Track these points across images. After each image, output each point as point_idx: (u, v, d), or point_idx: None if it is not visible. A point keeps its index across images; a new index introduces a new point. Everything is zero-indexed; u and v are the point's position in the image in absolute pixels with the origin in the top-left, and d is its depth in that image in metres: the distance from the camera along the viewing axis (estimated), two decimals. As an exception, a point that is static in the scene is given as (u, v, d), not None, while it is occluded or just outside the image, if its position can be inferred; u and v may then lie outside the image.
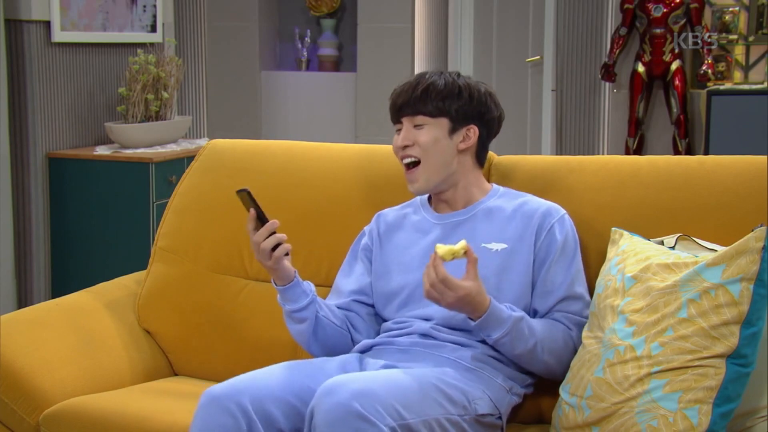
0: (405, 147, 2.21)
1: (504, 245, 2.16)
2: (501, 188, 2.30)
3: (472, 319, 2.04)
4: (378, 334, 2.25)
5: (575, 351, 2.09)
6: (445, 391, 1.95)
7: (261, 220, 2.08)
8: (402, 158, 2.23)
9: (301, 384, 1.96)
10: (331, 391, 1.80)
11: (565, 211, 2.21)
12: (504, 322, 2.03)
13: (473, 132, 2.23)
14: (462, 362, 2.09)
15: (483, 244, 2.17)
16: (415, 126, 2.21)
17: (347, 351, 2.21)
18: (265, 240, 2.07)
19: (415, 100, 2.20)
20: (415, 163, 2.21)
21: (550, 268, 2.15)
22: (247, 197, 2.07)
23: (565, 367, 2.09)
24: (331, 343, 2.21)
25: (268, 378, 1.96)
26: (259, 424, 1.89)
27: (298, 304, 2.16)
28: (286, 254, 2.09)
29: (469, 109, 2.21)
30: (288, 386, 1.95)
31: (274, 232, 2.08)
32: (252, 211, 2.08)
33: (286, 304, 2.18)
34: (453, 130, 2.21)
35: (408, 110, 2.21)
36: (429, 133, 2.20)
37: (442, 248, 1.99)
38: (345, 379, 1.83)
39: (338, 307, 2.25)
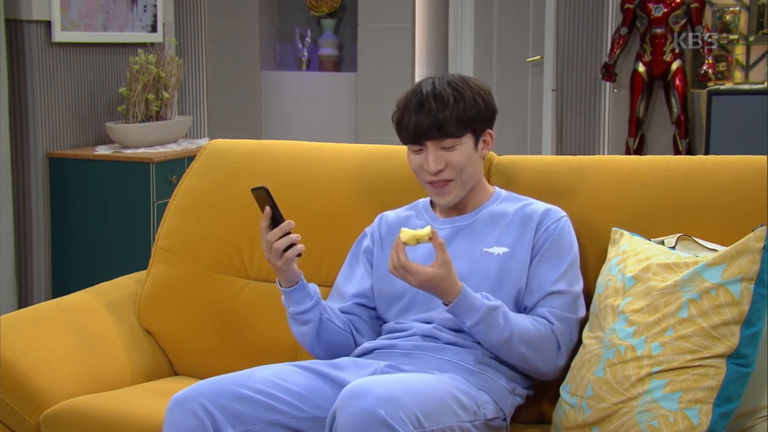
0: (438, 171, 2.15)
1: (505, 249, 2.15)
2: (503, 192, 2.29)
3: (445, 305, 2.05)
4: (380, 335, 2.25)
5: (558, 345, 2.09)
6: (459, 397, 1.95)
7: (275, 219, 2.07)
8: (433, 182, 2.16)
9: (261, 377, 1.96)
10: (357, 395, 1.79)
11: (565, 214, 2.20)
12: (476, 310, 2.02)
13: (489, 136, 2.21)
14: (465, 365, 2.08)
15: (485, 249, 2.17)
16: (443, 148, 2.15)
17: (350, 353, 2.20)
18: (278, 240, 2.06)
19: (441, 124, 2.11)
20: (447, 180, 2.17)
21: (538, 265, 2.15)
22: (264, 195, 2.05)
23: (547, 360, 2.09)
24: (335, 345, 2.20)
25: (232, 376, 1.97)
26: (225, 420, 1.90)
27: (302, 306, 2.15)
28: (298, 255, 2.08)
29: (485, 115, 2.18)
30: (244, 381, 1.95)
31: (289, 233, 2.06)
32: (267, 209, 2.06)
33: (290, 306, 2.17)
34: (476, 142, 2.18)
35: (433, 134, 2.13)
36: (461, 153, 2.15)
37: (406, 233, 1.99)
38: (370, 384, 1.82)
39: (341, 311, 2.24)
